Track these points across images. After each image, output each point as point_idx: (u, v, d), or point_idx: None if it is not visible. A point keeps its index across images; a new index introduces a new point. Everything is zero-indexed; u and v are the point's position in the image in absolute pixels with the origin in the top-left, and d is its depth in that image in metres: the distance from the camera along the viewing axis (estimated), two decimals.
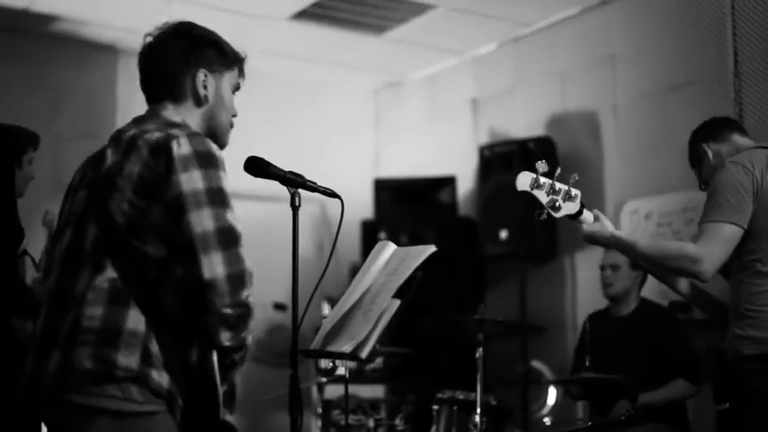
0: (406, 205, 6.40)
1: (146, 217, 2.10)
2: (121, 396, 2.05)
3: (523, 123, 6.04)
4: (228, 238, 2.10)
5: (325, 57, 6.65)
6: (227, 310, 2.07)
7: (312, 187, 2.48)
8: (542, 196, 2.89)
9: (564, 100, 5.85)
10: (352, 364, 4.04)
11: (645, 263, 3.17)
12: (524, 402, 5.33)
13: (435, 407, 4.03)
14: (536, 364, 5.31)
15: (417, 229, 6.08)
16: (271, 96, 6.68)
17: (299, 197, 2.44)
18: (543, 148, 5.57)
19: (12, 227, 3.30)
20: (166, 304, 2.11)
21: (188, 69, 2.35)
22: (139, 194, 2.11)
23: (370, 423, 4.43)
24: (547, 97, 5.95)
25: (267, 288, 6.22)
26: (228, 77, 2.42)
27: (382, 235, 6.06)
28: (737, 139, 3.19)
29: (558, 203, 2.91)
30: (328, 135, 7.05)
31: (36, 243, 3.79)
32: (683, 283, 3.25)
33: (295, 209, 2.42)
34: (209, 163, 2.14)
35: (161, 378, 2.09)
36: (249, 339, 2.18)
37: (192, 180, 2.10)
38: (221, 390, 2.18)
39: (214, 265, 2.06)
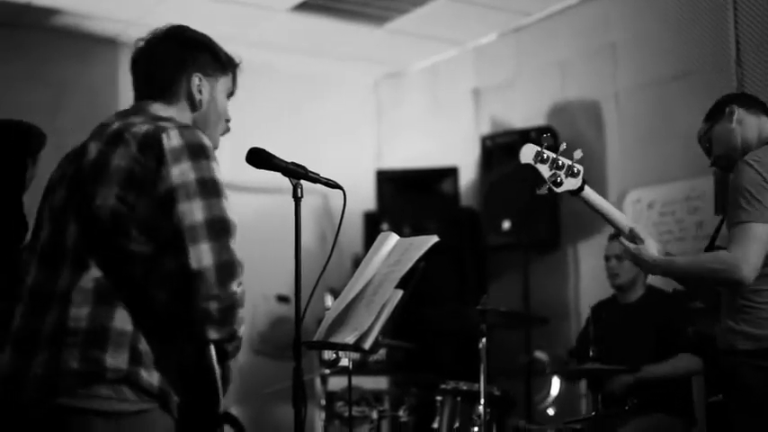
0: (408, 196, 6.39)
1: (133, 212, 2.06)
2: (115, 396, 2.02)
3: (525, 113, 6.03)
4: (218, 229, 2.06)
5: (327, 48, 6.64)
6: (211, 304, 2.03)
7: (314, 178, 2.47)
8: (545, 170, 2.87)
9: (565, 89, 5.84)
10: (355, 356, 4.04)
11: (684, 279, 3.14)
12: (528, 393, 5.34)
13: (439, 398, 4.04)
14: (539, 354, 5.31)
15: (420, 219, 6.07)
16: (272, 88, 6.68)
17: (302, 188, 2.43)
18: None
19: (19, 219, 3.31)
20: (157, 299, 2.07)
21: (183, 73, 2.33)
22: (128, 189, 2.07)
23: (374, 414, 4.42)
24: (548, 87, 5.94)
25: (270, 280, 6.27)
26: (223, 82, 2.40)
27: (385, 226, 6.04)
28: (764, 121, 3.12)
29: (560, 179, 2.89)
30: (330, 126, 7.04)
31: None
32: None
33: (297, 200, 2.42)
34: (200, 154, 2.11)
35: (151, 377, 2.06)
36: (242, 330, 2.13)
37: (183, 172, 2.07)
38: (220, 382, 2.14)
39: (202, 255, 2.03)
